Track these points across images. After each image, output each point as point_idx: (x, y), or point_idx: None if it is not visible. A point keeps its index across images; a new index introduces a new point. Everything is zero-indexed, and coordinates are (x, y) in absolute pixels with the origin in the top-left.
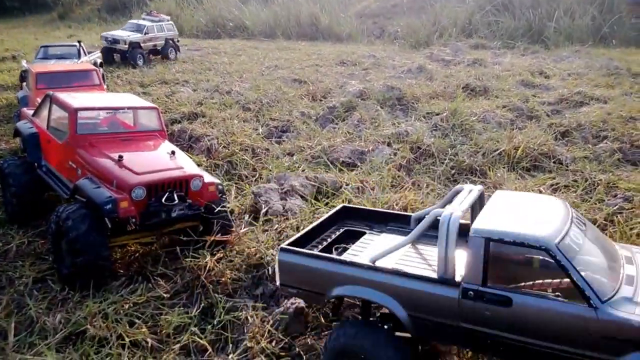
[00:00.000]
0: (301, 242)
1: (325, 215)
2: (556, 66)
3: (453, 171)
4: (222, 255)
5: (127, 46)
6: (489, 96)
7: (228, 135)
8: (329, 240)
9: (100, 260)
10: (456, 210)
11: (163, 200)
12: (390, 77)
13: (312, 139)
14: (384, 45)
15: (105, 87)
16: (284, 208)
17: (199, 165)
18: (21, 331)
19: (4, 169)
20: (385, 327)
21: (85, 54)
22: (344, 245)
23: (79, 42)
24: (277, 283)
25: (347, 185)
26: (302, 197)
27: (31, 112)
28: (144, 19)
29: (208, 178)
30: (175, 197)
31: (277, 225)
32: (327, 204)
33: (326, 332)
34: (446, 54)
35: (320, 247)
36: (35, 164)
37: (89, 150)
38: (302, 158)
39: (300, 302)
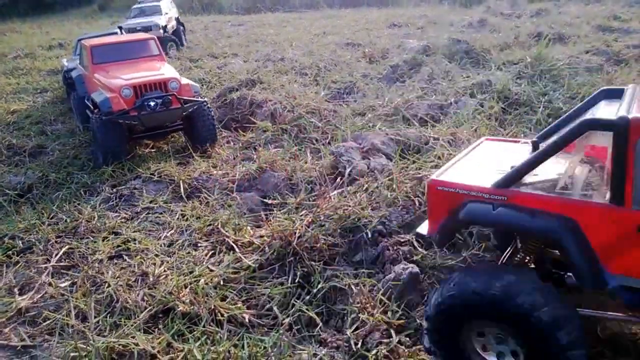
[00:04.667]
0: None
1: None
2: (630, 10)
3: (550, 119)
4: (311, 219)
5: (161, 31)
6: (567, 43)
7: (290, 99)
8: None
9: None
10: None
11: None
12: (452, 32)
13: (380, 97)
14: (432, 7)
15: (165, 56)
16: (368, 167)
17: (265, 131)
18: (101, 312)
19: None
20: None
21: None
22: None
23: (119, 27)
24: None
25: (435, 139)
26: (385, 155)
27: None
28: (140, 2)
29: None
30: None
31: (366, 186)
32: (415, 161)
33: None
34: (504, 7)
35: None
36: None
37: None
38: (375, 117)
39: (415, 267)
